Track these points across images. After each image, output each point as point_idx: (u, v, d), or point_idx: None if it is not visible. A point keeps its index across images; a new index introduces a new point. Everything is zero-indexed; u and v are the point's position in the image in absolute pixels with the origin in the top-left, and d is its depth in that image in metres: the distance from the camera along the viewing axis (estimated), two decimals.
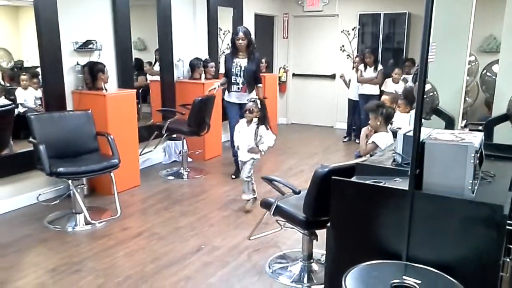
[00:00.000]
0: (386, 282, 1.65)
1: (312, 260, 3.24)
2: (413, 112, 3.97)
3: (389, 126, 3.81)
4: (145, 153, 5.51)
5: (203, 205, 4.53)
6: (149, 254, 3.46)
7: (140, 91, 6.07)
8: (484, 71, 6.47)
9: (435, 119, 3.45)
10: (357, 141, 7.02)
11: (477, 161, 1.83)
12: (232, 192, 4.84)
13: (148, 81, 6.45)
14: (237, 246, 3.62)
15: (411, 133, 1.87)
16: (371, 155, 2.57)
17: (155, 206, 4.49)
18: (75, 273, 3.16)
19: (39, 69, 4.52)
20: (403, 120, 4.31)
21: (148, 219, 4.16)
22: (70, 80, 4.66)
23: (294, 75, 9.05)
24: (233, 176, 5.25)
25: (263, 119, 4.32)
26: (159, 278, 3.11)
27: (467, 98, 6.13)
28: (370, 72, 7.05)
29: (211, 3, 6.57)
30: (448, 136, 1.93)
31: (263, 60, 7.41)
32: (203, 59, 6.31)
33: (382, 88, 6.89)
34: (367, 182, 1.97)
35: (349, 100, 7.53)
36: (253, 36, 5.60)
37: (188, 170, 5.53)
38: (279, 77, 8.76)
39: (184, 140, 5.57)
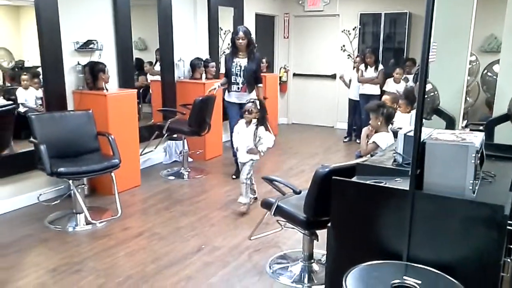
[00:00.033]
0: (387, 282, 1.65)
1: (312, 260, 3.24)
2: (413, 112, 3.97)
3: (390, 126, 3.80)
4: (145, 153, 5.51)
5: (204, 205, 4.53)
6: (150, 254, 3.46)
7: (140, 91, 6.08)
8: (485, 71, 6.47)
9: (435, 119, 3.44)
10: (357, 141, 7.02)
11: (478, 161, 1.83)
12: (232, 192, 4.84)
13: (149, 81, 6.46)
14: (237, 246, 3.63)
15: (411, 133, 1.87)
16: (371, 155, 2.57)
17: (156, 206, 4.49)
18: (75, 273, 3.17)
19: (40, 69, 4.52)
20: (404, 120, 4.31)
21: (149, 219, 4.16)
22: (71, 80, 4.66)
23: (294, 75, 9.05)
24: (234, 176, 5.25)
25: (262, 120, 4.30)
26: (160, 278, 3.11)
27: (468, 98, 6.13)
28: (370, 72, 7.04)
29: (211, 3, 6.57)
30: (449, 136, 1.93)
31: (264, 60, 7.41)
32: (203, 59, 6.31)
33: (383, 88, 6.88)
34: (367, 182, 1.97)
35: (350, 100, 7.52)
36: (253, 36, 5.60)
37: (189, 170, 5.53)
38: (280, 77, 8.75)
39: (185, 140, 5.57)
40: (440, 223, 1.80)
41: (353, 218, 2.03)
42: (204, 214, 4.28)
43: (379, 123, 3.69)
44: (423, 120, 1.87)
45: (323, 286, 2.33)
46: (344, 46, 8.41)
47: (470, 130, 3.06)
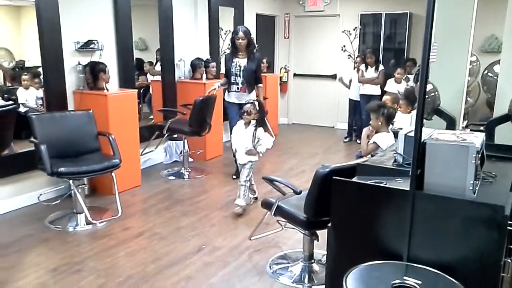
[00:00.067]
0: (387, 283, 1.65)
1: (313, 261, 3.24)
2: (414, 112, 3.96)
3: (391, 126, 3.80)
4: (146, 153, 5.51)
5: (204, 205, 4.53)
6: (150, 254, 3.46)
7: (141, 91, 6.09)
8: (486, 71, 6.47)
9: (436, 119, 3.44)
10: (358, 141, 7.02)
11: (479, 162, 1.83)
12: (233, 192, 4.83)
13: (149, 81, 6.46)
14: (238, 246, 3.63)
15: (412, 134, 1.87)
16: (372, 156, 2.57)
17: (156, 206, 4.49)
18: (76, 273, 3.17)
19: (40, 69, 4.53)
20: (404, 121, 4.30)
21: (149, 219, 4.16)
22: (72, 80, 4.66)
23: (295, 75, 9.05)
24: (234, 177, 5.25)
25: (261, 121, 4.28)
26: (160, 278, 3.11)
27: (468, 99, 6.13)
28: (371, 73, 7.04)
29: (212, 3, 6.57)
30: (449, 137, 1.93)
31: (264, 60, 7.42)
32: (204, 59, 6.31)
33: (385, 89, 6.85)
34: (368, 182, 1.97)
35: (350, 100, 7.53)
36: (253, 36, 5.60)
37: (189, 170, 5.53)
38: (280, 77, 8.75)
39: (185, 140, 5.57)
40: (440, 224, 1.80)
41: (353, 218, 2.03)
42: (205, 214, 4.28)
43: (379, 123, 3.69)
44: (424, 120, 1.87)
45: (324, 286, 2.33)
46: (344, 46, 8.41)
47: (471, 130, 3.05)
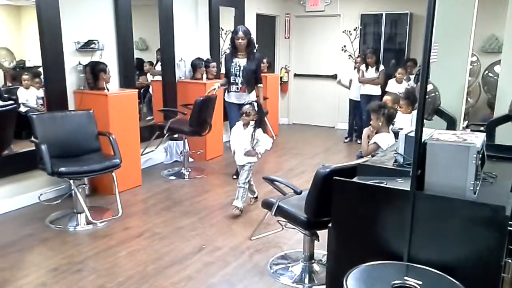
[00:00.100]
0: (388, 283, 1.65)
1: (313, 261, 3.24)
2: (415, 112, 3.97)
3: (391, 126, 3.80)
4: (146, 153, 5.52)
5: (205, 205, 4.53)
6: (151, 254, 3.46)
7: (141, 91, 6.09)
8: (486, 71, 6.47)
9: (436, 119, 3.44)
10: (358, 141, 7.02)
11: (479, 162, 1.83)
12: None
13: (149, 81, 6.46)
14: (238, 246, 3.63)
15: (412, 134, 1.87)
16: (372, 156, 2.57)
17: (157, 206, 4.49)
18: (76, 273, 3.17)
19: (41, 69, 4.53)
20: (405, 121, 4.30)
21: (150, 219, 4.16)
22: (72, 80, 4.67)
23: (295, 75, 9.05)
24: (234, 177, 5.24)
25: (260, 122, 4.26)
26: (161, 278, 3.11)
27: (469, 99, 6.13)
28: (371, 73, 7.04)
29: (212, 3, 6.57)
30: (450, 137, 1.93)
31: (265, 60, 7.42)
32: (204, 59, 6.31)
33: (386, 89, 6.83)
34: (368, 182, 1.97)
35: (350, 100, 7.52)
36: (253, 36, 5.58)
37: (190, 170, 5.53)
38: (281, 77, 8.76)
39: (186, 140, 5.57)
40: (441, 224, 1.80)
41: (354, 219, 2.03)
42: (205, 214, 4.28)
43: (380, 123, 3.69)
44: (424, 120, 1.87)
45: (324, 286, 2.33)
46: (345, 46, 8.41)
47: (471, 130, 3.05)
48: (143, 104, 6.38)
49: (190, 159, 5.85)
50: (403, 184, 1.91)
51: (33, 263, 3.34)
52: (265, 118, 6.63)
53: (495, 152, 2.39)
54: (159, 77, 6.03)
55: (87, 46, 4.72)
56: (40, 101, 4.80)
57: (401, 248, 1.85)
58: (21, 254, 3.46)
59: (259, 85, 5.24)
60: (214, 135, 5.88)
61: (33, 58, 4.77)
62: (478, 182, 1.86)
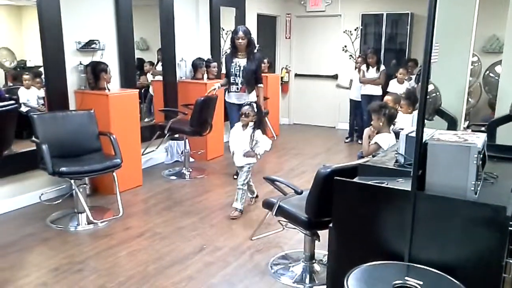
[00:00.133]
0: (388, 283, 1.65)
1: (314, 261, 3.24)
2: (415, 112, 3.97)
3: (392, 126, 3.80)
4: (147, 153, 5.52)
5: (205, 205, 4.53)
6: (151, 254, 3.46)
7: (142, 91, 6.09)
8: (487, 71, 6.47)
9: (437, 119, 3.44)
10: (359, 141, 7.02)
11: (480, 162, 1.83)
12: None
13: (149, 81, 6.47)
14: (239, 246, 3.63)
15: (413, 134, 1.87)
16: (373, 156, 2.57)
17: (157, 206, 4.49)
18: (77, 272, 3.17)
19: (42, 69, 4.53)
20: (406, 121, 4.30)
21: (150, 219, 4.16)
22: (73, 80, 4.67)
23: (296, 75, 9.05)
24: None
25: (259, 123, 4.25)
26: (161, 278, 3.11)
27: (469, 99, 6.13)
28: (372, 73, 7.04)
29: (213, 3, 6.57)
30: (450, 137, 1.92)
31: (265, 60, 7.42)
32: (205, 59, 6.32)
33: (388, 90, 6.80)
34: (369, 182, 1.97)
35: (351, 100, 7.52)
36: (253, 36, 5.57)
37: (190, 170, 5.53)
38: (281, 77, 8.76)
39: (186, 140, 5.57)
40: (442, 224, 1.80)
41: (354, 219, 2.03)
42: (206, 214, 4.28)
43: (381, 123, 3.68)
44: (425, 120, 1.87)
45: (325, 286, 2.33)
46: (345, 46, 8.41)
47: (472, 131, 3.05)
48: (144, 104, 6.38)
49: (191, 159, 5.85)
50: (404, 184, 1.90)
51: (34, 263, 3.34)
52: (266, 118, 6.67)
53: (496, 152, 2.39)
54: (159, 77, 6.04)
55: (88, 46, 4.72)
56: (41, 101, 4.81)
57: (402, 248, 1.85)
58: (22, 253, 3.46)
59: (259, 85, 5.22)
60: (214, 135, 5.88)
61: (34, 58, 4.78)
62: (479, 182, 1.86)
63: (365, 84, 7.07)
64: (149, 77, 6.50)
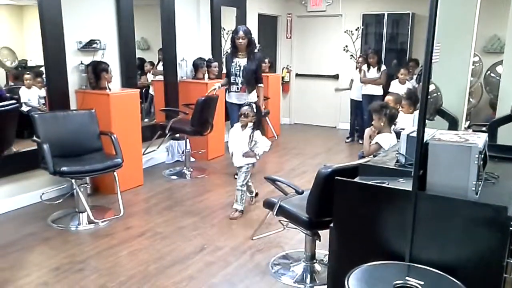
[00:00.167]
0: (389, 283, 1.65)
1: (315, 261, 3.24)
2: (416, 112, 3.96)
3: (393, 126, 3.80)
4: (148, 153, 5.52)
5: (206, 205, 4.53)
6: (152, 254, 3.47)
7: (143, 91, 6.09)
8: (488, 71, 6.46)
9: (438, 119, 3.44)
10: (360, 141, 7.01)
11: (481, 162, 1.83)
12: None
13: (149, 81, 6.47)
14: (240, 246, 3.63)
15: (414, 134, 1.87)
16: (374, 156, 2.57)
17: (158, 205, 4.49)
18: (78, 272, 3.17)
19: (43, 68, 4.54)
20: (407, 121, 4.30)
21: (151, 218, 4.17)
22: (74, 80, 4.67)
23: (297, 75, 9.05)
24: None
25: (258, 124, 4.23)
26: (162, 278, 3.11)
27: (471, 99, 6.12)
28: (373, 73, 7.03)
29: (214, 3, 6.57)
30: (451, 137, 1.92)
31: (266, 60, 7.42)
32: (206, 59, 6.32)
33: (389, 90, 6.78)
34: (370, 182, 1.97)
35: (352, 100, 7.52)
36: (254, 36, 5.57)
37: (191, 169, 5.53)
38: (282, 77, 8.76)
39: (187, 140, 5.58)
40: (442, 224, 1.80)
41: (355, 219, 2.03)
42: (206, 214, 4.28)
43: (382, 123, 3.68)
44: (426, 120, 1.87)
45: (325, 286, 2.33)
46: (346, 46, 8.40)
47: (473, 131, 3.05)
48: (144, 104, 6.38)
49: (192, 159, 5.85)
50: (405, 184, 1.90)
51: (35, 263, 3.34)
52: (267, 118, 6.68)
53: (497, 152, 2.39)
54: (160, 77, 6.04)
55: (89, 46, 4.72)
56: (42, 101, 4.81)
57: (402, 248, 1.85)
58: (23, 253, 3.46)
59: (259, 85, 5.23)
60: (215, 135, 5.88)
61: (35, 57, 4.78)
62: (480, 182, 1.85)
63: (366, 84, 7.06)
64: (150, 77, 6.50)
